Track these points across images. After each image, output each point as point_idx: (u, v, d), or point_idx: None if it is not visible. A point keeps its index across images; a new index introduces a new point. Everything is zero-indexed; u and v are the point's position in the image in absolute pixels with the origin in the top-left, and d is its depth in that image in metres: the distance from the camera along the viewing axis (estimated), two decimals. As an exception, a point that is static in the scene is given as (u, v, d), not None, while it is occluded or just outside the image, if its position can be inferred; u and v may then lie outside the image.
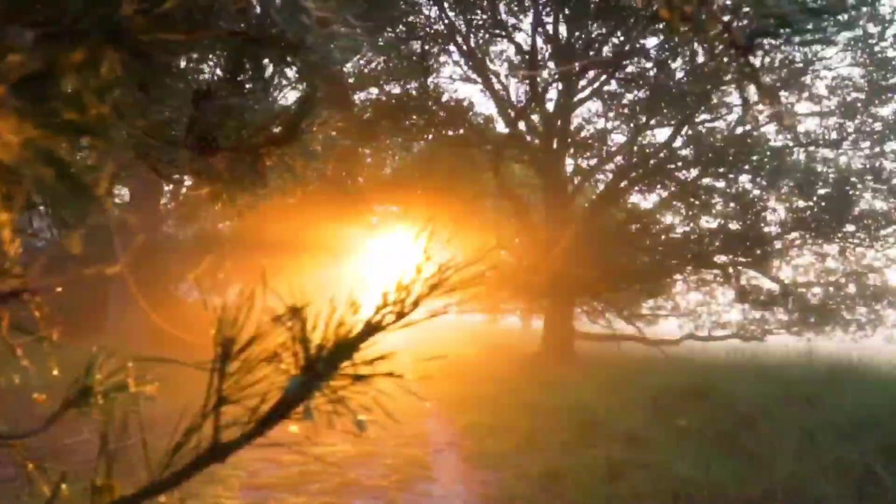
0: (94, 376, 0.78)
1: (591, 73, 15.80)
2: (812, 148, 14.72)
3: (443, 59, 17.23)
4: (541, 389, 9.48)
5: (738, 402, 6.47)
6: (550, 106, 16.99)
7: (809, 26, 0.56)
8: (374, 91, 18.34)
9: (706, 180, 14.82)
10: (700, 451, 5.47)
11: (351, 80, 18.45)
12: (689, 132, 15.30)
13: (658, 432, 6.15)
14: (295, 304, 0.57)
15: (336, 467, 5.65)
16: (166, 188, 17.30)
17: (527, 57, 15.41)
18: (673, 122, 15.04)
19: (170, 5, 0.46)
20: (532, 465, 5.71)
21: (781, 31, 0.53)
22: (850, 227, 13.55)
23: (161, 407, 0.79)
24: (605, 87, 16.07)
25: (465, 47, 15.83)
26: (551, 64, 15.94)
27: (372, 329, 0.62)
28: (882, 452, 4.84)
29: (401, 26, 15.86)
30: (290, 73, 1.41)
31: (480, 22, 15.87)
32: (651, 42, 14.47)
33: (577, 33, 14.89)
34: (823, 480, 4.56)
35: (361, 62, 18.61)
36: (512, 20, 15.75)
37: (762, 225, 14.02)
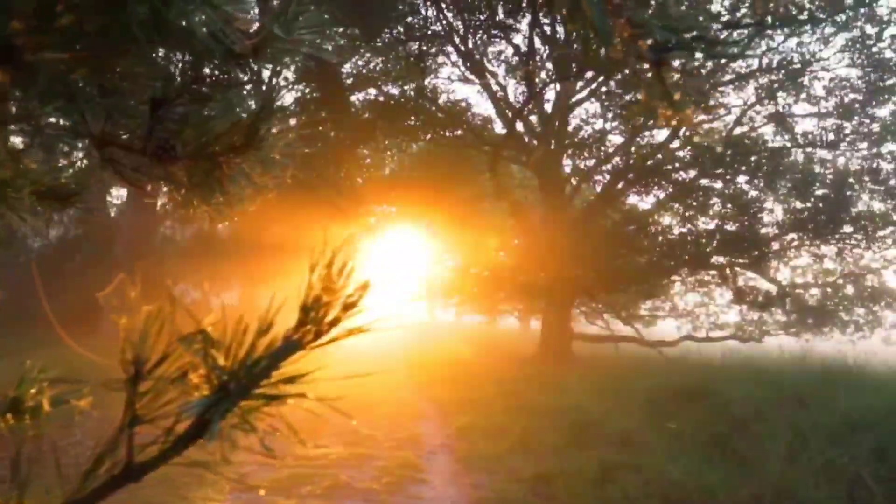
0: (28, 389, 0.77)
1: (589, 74, 15.78)
2: (809, 149, 14.70)
3: (441, 59, 17.23)
4: (537, 391, 9.47)
5: (733, 404, 6.46)
6: (548, 107, 17.00)
7: (726, 38, 0.55)
8: (373, 91, 18.36)
9: (704, 181, 14.80)
10: (693, 454, 5.45)
11: (349, 81, 18.45)
12: (687, 133, 15.27)
13: (652, 435, 6.14)
14: (201, 325, 0.56)
15: (328, 469, 5.64)
16: (164, 189, 17.28)
17: (525, 57, 15.38)
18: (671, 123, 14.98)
19: (63, 22, 0.45)
20: (525, 467, 5.70)
21: (694, 45, 0.52)
22: (847, 229, 13.52)
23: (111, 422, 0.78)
24: (603, 88, 16.06)
25: (462, 48, 15.81)
26: (549, 65, 15.93)
27: (289, 348, 0.61)
28: (874, 456, 4.83)
29: (399, 27, 15.82)
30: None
31: (478, 23, 15.83)
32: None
33: (574, 34, 14.84)
34: (814, 484, 4.54)
35: (360, 63, 18.62)
36: (510, 21, 15.72)
37: (759, 226, 14.00)
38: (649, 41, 0.49)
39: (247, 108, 1.41)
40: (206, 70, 1.26)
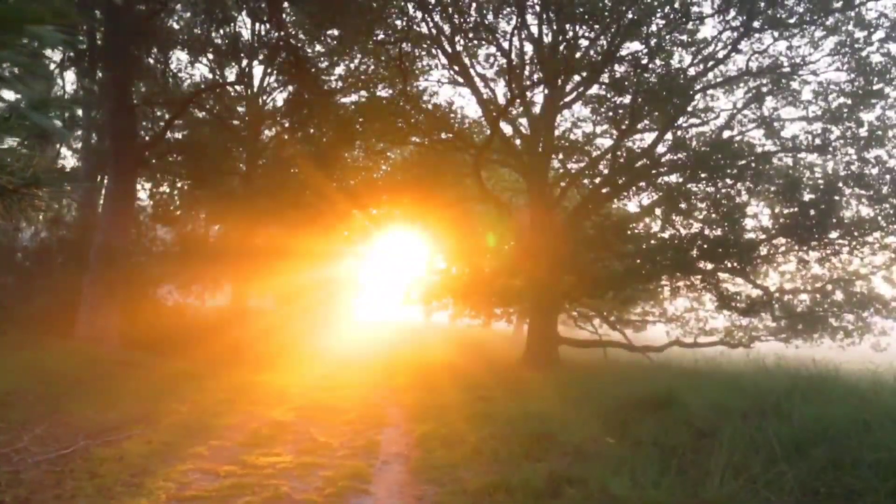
0: None
1: (577, 77, 15.65)
2: (797, 153, 14.52)
3: (428, 62, 17.09)
4: (507, 398, 9.33)
5: (693, 414, 6.30)
6: (536, 109, 16.87)
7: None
8: (363, 93, 18.24)
9: (690, 185, 14.63)
10: (646, 467, 5.28)
11: (338, 85, 18.33)
12: (675, 135, 15.12)
13: (607, 446, 5.99)
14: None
15: (272, 479, 5.50)
16: (141, 191, 17.15)
17: (510, 60, 15.24)
18: (658, 127, 14.88)
19: None
20: (474, 478, 5.55)
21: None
22: (833, 234, 13.33)
23: None
24: (590, 91, 15.94)
25: (450, 51, 15.68)
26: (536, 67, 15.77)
27: None
28: (826, 469, 4.66)
29: (388, 30, 15.68)
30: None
31: (466, 25, 15.68)
32: (634, 46, 14.28)
33: (560, 37, 14.77)
34: (762, 499, 4.38)
35: (351, 65, 18.50)
36: (496, 23, 15.58)
37: (743, 231, 13.81)
38: None
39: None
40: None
